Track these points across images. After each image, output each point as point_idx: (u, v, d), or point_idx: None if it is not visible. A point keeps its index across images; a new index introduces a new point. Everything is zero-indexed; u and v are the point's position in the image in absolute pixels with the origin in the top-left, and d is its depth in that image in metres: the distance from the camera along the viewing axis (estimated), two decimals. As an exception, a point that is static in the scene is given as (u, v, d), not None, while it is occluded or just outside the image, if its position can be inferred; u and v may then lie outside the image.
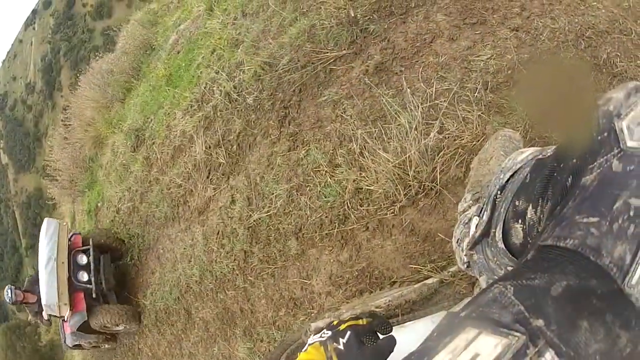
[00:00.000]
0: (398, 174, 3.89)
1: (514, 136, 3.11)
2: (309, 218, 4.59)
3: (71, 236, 9.15)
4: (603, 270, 0.86)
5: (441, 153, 3.83)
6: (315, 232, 4.53)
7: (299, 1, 5.97)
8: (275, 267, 4.94)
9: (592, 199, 0.98)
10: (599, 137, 1.06)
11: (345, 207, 4.26)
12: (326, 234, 4.43)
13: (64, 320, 8.99)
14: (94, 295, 8.46)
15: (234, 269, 5.47)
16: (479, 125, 3.80)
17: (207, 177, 6.36)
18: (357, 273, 4.15)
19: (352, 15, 5.05)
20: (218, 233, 5.82)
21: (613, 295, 0.84)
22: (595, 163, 1.03)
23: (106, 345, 9.87)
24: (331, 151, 4.59)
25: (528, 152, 1.83)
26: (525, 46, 4.14)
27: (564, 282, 0.87)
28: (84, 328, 8.61)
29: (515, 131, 3.32)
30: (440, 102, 4.07)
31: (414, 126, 3.95)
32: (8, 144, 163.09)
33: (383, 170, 3.95)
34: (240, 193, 5.56)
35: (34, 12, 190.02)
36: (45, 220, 9.01)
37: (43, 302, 8.22)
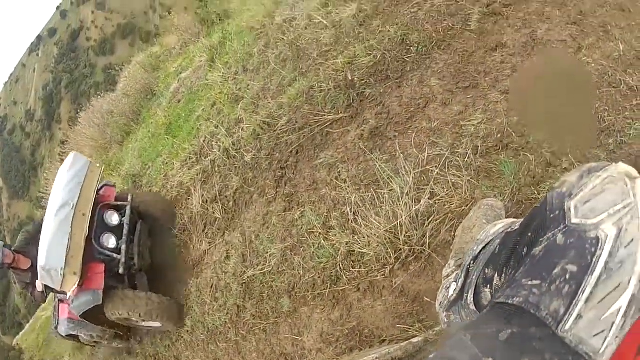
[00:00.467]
0: (389, 239, 3.96)
1: (496, 205, 3.28)
2: (302, 277, 4.65)
3: (102, 187, 6.97)
4: (541, 320, 1.07)
5: (431, 218, 3.92)
6: (308, 292, 4.59)
7: (298, 61, 6.15)
8: (267, 323, 4.98)
9: (537, 266, 1.19)
10: (551, 215, 1.27)
11: (338, 268, 4.33)
12: (318, 293, 4.49)
13: (60, 299, 6.97)
14: (120, 271, 6.22)
15: (226, 322, 5.50)
16: (468, 190, 3.91)
17: (203, 231, 6.44)
18: (347, 331, 4.20)
19: (350, 78, 5.19)
20: (212, 286, 5.86)
21: (550, 339, 1.05)
22: (545, 237, 1.24)
23: (113, 344, 7.49)
24: (325, 214, 4.68)
25: (500, 226, 2.10)
26: (515, 109, 4.25)
27: (509, 331, 1.09)
28: (92, 316, 6.34)
29: (497, 199, 3.47)
30: (432, 167, 4.17)
31: (406, 192, 4.04)
32: (4, 167, 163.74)
33: (375, 235, 4.03)
34: (235, 249, 5.62)
35: (39, 38, 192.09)
36: (72, 153, 6.96)
37: (40, 263, 5.86)
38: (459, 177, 3.98)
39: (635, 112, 3.85)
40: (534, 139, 3.96)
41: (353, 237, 4.27)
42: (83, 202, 6.32)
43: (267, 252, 5.07)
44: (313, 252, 4.58)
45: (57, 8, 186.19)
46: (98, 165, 6.97)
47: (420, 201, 3.97)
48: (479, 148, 4.09)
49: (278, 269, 4.92)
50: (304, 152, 5.28)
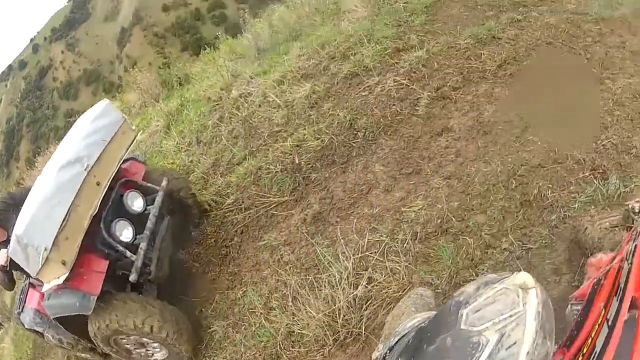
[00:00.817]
0: (327, 322, 4.07)
1: (425, 293, 3.45)
2: (243, 354, 4.68)
3: (127, 160, 5.27)
4: None
5: (369, 302, 4.04)
6: (249, 368, 4.62)
7: (249, 139, 6.32)
8: (209, 397, 4.97)
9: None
10: (448, 320, 1.52)
11: (278, 347, 4.39)
12: (259, 370, 4.53)
13: (31, 283, 5.11)
14: (131, 277, 4.50)
15: (168, 394, 5.47)
16: (405, 276, 4.05)
17: (149, 302, 6.36)
18: (288, 407, 4.26)
19: (297, 162, 5.37)
20: (155, 357, 5.82)
21: None
22: (439, 337, 1.49)
23: (85, 355, 5.49)
24: (267, 294, 4.76)
25: (416, 320, 2.35)
26: (456, 193, 4.47)
27: None
28: (70, 322, 4.64)
29: (426, 289, 3.60)
30: (371, 253, 4.32)
31: (345, 277, 4.17)
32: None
33: (314, 317, 4.12)
34: (179, 323, 5.59)
35: (10, 67, 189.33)
36: (105, 102, 5.29)
37: (17, 230, 4.12)
38: (397, 262, 4.12)
39: (582, 185, 4.07)
40: (474, 223, 4.15)
41: (293, 318, 4.35)
42: (101, 168, 4.71)
43: (210, 328, 5.09)
44: (254, 331, 4.63)
45: (31, 40, 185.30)
46: (134, 128, 5.34)
47: (358, 287, 4.09)
48: (418, 234, 4.27)
49: (220, 344, 4.94)
50: (249, 233, 5.37)
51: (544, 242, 3.83)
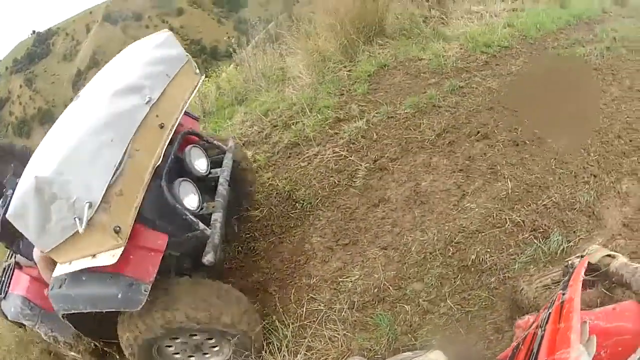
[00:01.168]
0: (268, 389, 4.13)
1: None
2: None
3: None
4: None
5: (308, 369, 4.12)
6: None
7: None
8: None
9: None
10: None
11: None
12: None
13: (18, 262, 4.28)
14: (207, 259, 3.33)
15: None
16: (344, 343, 4.15)
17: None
18: None
19: (237, 231, 5.50)
20: None
21: None
22: None
23: (76, 355, 4.29)
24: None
25: None
26: (393, 263, 4.63)
27: None
28: (80, 319, 3.33)
29: (362, 357, 3.81)
30: (309, 322, 4.44)
31: (285, 344, 4.26)
32: None
33: (255, 386, 4.19)
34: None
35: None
36: (166, 32, 4.26)
37: (41, 172, 2.77)
38: (336, 331, 4.25)
39: (521, 247, 4.27)
40: (411, 290, 4.31)
41: (234, 387, 4.40)
42: (165, 108, 3.59)
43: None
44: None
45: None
46: (197, 72, 4.34)
47: (297, 355, 4.17)
48: (356, 303, 4.41)
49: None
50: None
51: (483, 304, 4.00)
